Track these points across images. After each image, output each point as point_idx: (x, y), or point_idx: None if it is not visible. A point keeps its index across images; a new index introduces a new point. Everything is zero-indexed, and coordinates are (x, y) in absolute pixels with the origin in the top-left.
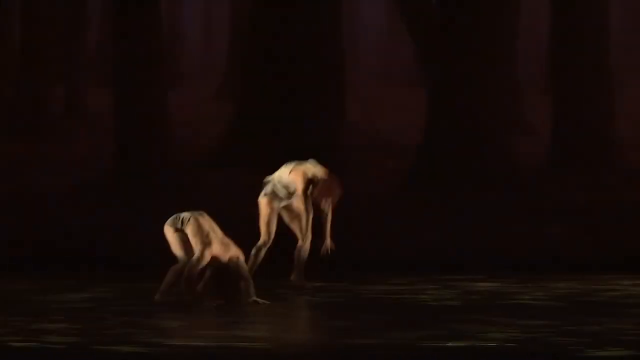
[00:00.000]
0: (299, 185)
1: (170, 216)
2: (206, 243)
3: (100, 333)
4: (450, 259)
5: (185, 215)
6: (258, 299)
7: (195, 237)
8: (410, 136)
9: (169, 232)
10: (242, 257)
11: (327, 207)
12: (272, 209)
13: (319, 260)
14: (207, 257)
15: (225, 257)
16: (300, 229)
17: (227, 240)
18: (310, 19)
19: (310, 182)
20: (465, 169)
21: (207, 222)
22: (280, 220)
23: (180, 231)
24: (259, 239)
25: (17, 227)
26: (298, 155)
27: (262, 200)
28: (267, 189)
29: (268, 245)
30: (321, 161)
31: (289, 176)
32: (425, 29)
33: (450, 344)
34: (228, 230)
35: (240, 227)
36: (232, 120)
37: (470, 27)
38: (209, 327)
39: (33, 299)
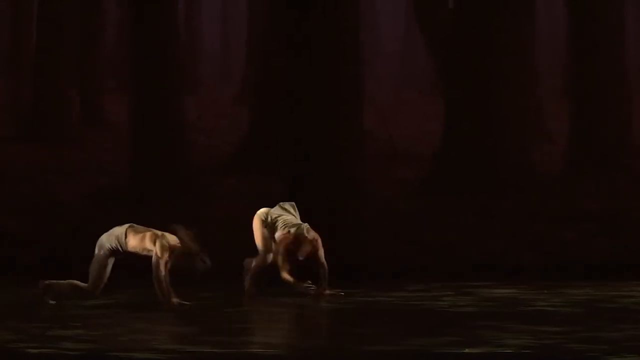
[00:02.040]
0: None
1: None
2: (156, 237)
3: (115, 339)
4: (467, 266)
5: (117, 233)
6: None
7: (141, 241)
8: (428, 144)
9: (105, 252)
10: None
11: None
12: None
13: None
14: (165, 251)
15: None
16: None
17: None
18: (328, 26)
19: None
20: (483, 176)
21: (141, 228)
22: None
23: (118, 253)
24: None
25: (33, 232)
26: (315, 161)
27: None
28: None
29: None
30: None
31: None
32: (443, 36)
33: (466, 351)
34: (245, 235)
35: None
36: (249, 126)
37: (487, 35)
38: (221, 333)
39: (49, 305)
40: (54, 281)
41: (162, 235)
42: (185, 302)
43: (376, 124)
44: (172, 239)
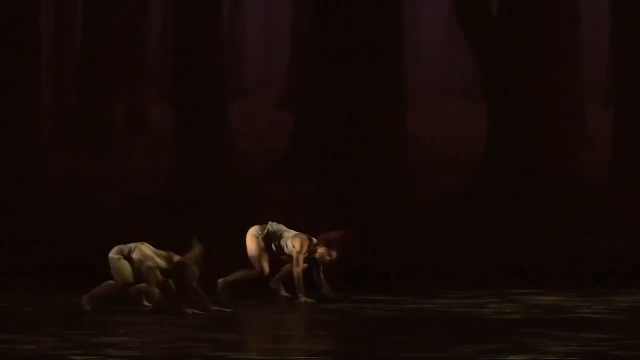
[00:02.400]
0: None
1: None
2: (153, 267)
3: (160, 347)
4: (511, 272)
5: (130, 245)
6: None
7: (144, 261)
8: (471, 149)
9: (112, 260)
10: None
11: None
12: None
13: (381, 274)
14: (158, 277)
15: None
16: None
17: (172, 254)
18: (371, 32)
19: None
20: (526, 182)
21: (149, 249)
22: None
23: (126, 258)
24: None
25: (78, 241)
26: (358, 167)
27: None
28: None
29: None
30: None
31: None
32: (486, 41)
33: (511, 358)
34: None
35: None
36: (292, 133)
37: (531, 39)
38: (267, 340)
39: (94, 313)
40: (93, 291)
41: (156, 266)
42: (227, 310)
43: (419, 129)
44: (163, 263)
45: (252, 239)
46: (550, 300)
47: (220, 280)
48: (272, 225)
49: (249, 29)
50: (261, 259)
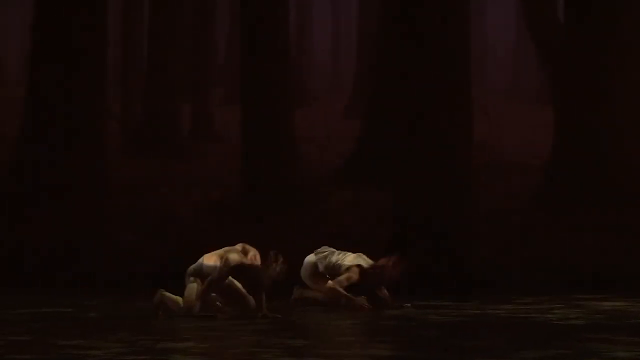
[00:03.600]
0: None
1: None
2: (224, 257)
3: (226, 352)
4: (577, 278)
5: (199, 261)
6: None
7: (216, 260)
8: (537, 154)
9: (187, 280)
10: (257, 257)
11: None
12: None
13: (448, 280)
14: (225, 272)
15: (245, 259)
16: None
17: (248, 248)
18: (437, 37)
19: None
20: (594, 187)
21: (217, 253)
22: None
23: (199, 274)
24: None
25: (144, 245)
26: (423, 172)
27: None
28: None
29: None
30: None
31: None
32: (554, 45)
33: None
34: (354, 248)
35: (366, 244)
36: (360, 138)
37: (599, 43)
38: (331, 346)
39: (160, 318)
40: (168, 294)
41: (226, 256)
42: (277, 315)
43: (484, 134)
44: (234, 258)
45: (311, 269)
46: (615, 305)
47: (296, 288)
48: (331, 256)
49: (316, 35)
50: (317, 286)
